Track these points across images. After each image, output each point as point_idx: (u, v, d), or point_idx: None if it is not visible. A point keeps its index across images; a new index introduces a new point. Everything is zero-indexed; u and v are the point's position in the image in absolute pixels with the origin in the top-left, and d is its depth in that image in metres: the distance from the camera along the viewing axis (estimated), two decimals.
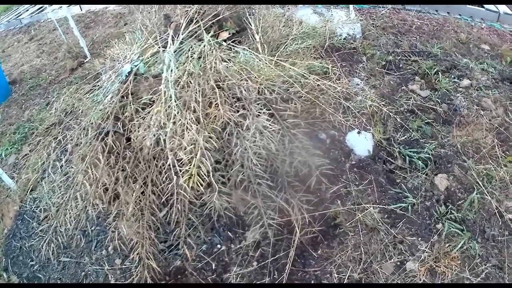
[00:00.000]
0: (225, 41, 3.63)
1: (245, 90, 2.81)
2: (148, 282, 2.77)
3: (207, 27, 3.60)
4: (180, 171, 2.50)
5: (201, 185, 2.45)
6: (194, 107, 2.67)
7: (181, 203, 2.50)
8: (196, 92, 2.73)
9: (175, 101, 2.67)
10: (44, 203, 3.74)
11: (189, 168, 2.46)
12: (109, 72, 3.57)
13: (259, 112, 2.78)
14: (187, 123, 2.57)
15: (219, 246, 3.00)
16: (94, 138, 2.87)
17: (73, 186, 3.11)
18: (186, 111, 2.65)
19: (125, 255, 3.14)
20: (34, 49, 6.94)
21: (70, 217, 3.38)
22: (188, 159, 2.49)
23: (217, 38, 3.63)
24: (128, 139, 2.94)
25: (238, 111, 2.78)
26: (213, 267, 2.92)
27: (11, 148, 4.61)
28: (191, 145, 2.52)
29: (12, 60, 6.82)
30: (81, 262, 3.22)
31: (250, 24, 3.82)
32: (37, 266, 3.37)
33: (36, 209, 3.75)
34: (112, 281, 3.06)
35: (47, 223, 3.58)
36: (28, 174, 4.08)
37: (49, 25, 7.71)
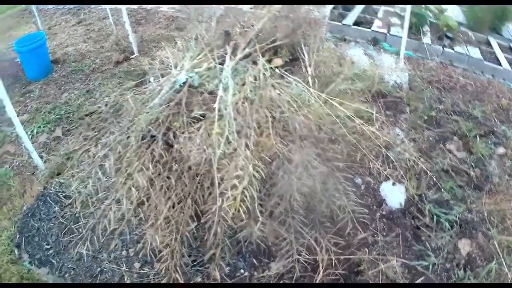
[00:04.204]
0: (277, 67, 3.66)
1: (297, 125, 2.84)
2: None
3: (262, 51, 3.62)
4: (225, 194, 2.51)
5: (244, 212, 2.46)
6: (247, 132, 2.69)
7: (221, 226, 2.52)
8: (253, 119, 2.76)
9: (232, 124, 2.70)
10: (70, 190, 3.75)
11: (235, 193, 2.47)
12: (158, 75, 3.59)
13: (308, 149, 2.80)
14: (239, 148, 2.60)
15: (242, 271, 3.02)
16: (141, 142, 2.88)
17: (104, 181, 3.10)
18: (240, 135, 2.67)
19: (145, 261, 3.15)
20: (81, 33, 6.96)
21: (95, 211, 3.41)
22: (234, 184, 2.51)
23: (270, 63, 3.66)
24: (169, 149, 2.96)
25: (287, 145, 2.81)
26: None
27: (44, 127, 4.62)
28: (240, 170, 2.54)
29: (57, 39, 6.84)
30: (98, 258, 3.22)
31: (304, 55, 3.85)
32: (52, 251, 3.37)
33: (61, 194, 3.76)
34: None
35: (70, 211, 3.59)
36: (58, 157, 4.10)
37: (100, 13, 7.74)
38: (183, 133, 2.83)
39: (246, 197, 2.52)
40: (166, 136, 2.88)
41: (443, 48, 5.69)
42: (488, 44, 6.43)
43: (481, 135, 4.28)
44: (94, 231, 3.16)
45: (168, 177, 2.73)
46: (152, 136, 2.90)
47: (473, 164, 3.93)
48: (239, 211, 2.49)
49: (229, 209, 2.47)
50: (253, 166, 2.56)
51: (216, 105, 2.92)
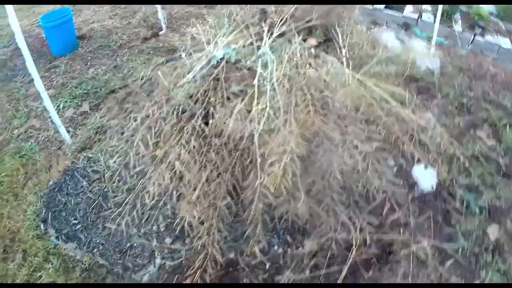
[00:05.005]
0: (312, 47, 3.62)
1: (338, 103, 2.82)
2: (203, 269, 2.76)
3: (297, 31, 3.58)
4: (266, 170, 2.49)
5: (285, 188, 2.44)
6: (290, 109, 2.67)
7: (261, 202, 2.51)
8: (296, 95, 2.74)
9: (275, 100, 2.68)
10: (98, 165, 3.76)
11: (276, 170, 2.45)
12: (191, 51, 3.56)
13: (347, 129, 2.79)
14: (282, 124, 2.58)
15: (276, 247, 3.03)
16: (181, 116, 2.86)
17: (141, 155, 3.08)
18: (282, 111, 2.65)
19: (176, 236, 3.16)
20: (107, 10, 6.92)
21: (124, 185, 3.41)
22: (276, 160, 2.49)
23: (304, 43, 3.62)
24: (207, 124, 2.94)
25: (327, 124, 2.79)
26: (267, 267, 2.95)
27: (70, 102, 4.62)
28: (282, 146, 2.52)
29: (82, 16, 6.81)
30: (128, 232, 3.21)
31: (337, 37, 3.81)
32: (80, 226, 3.38)
33: (89, 169, 3.76)
34: (158, 259, 3.08)
35: (98, 186, 3.60)
36: (86, 132, 4.10)
37: None
38: (222, 107, 2.81)
39: (287, 173, 2.50)
40: (206, 111, 2.86)
41: (473, 36, 5.65)
42: None
43: (511, 124, 4.25)
44: (124, 206, 3.15)
45: (208, 151, 2.71)
46: (191, 110, 2.88)
47: (502, 153, 3.92)
48: (279, 187, 2.48)
49: (270, 186, 2.46)
50: (296, 143, 2.54)
51: (255, 81, 2.89)
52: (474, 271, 3.04)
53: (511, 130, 4.15)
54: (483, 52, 5.58)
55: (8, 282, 3.14)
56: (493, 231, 3.29)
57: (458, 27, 5.89)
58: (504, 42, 5.78)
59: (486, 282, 2.94)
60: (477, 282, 2.97)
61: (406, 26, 5.73)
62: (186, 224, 2.71)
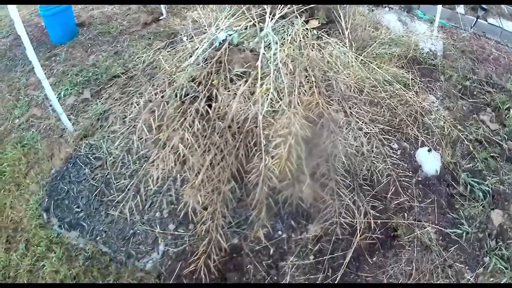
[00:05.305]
0: (314, 29, 3.60)
1: (342, 85, 2.79)
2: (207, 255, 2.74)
3: (299, 12, 3.55)
4: (270, 152, 2.47)
5: (290, 171, 2.42)
6: (294, 90, 2.64)
7: (266, 185, 2.47)
8: (300, 76, 2.71)
9: (283, 80, 2.65)
10: (100, 152, 3.73)
11: (281, 151, 2.42)
12: (192, 34, 3.53)
13: (352, 111, 2.76)
14: (286, 105, 2.55)
15: (280, 232, 3.01)
16: (184, 99, 2.83)
17: (144, 139, 3.04)
18: (285, 92, 2.62)
19: (179, 222, 3.13)
20: None
21: (126, 171, 3.38)
22: (280, 142, 2.46)
23: (306, 24, 3.59)
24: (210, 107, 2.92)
25: (331, 105, 2.76)
26: (271, 253, 2.93)
27: (71, 89, 4.57)
28: (285, 128, 2.49)
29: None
30: (131, 219, 3.18)
31: (340, 18, 3.78)
32: (83, 214, 3.34)
33: (91, 156, 3.73)
34: (162, 245, 3.05)
35: (101, 173, 3.57)
36: (88, 119, 4.07)
37: None
38: (225, 89, 2.78)
39: (291, 156, 2.48)
40: (209, 93, 2.83)
41: (476, 19, 5.58)
42: None
43: None
44: (127, 192, 3.12)
45: (212, 134, 2.69)
46: (195, 93, 2.85)
47: (505, 137, 3.89)
48: (284, 170, 2.45)
49: (275, 168, 2.43)
50: (300, 124, 2.51)
51: (259, 63, 2.86)
52: (478, 256, 3.04)
53: None
54: (486, 34, 5.52)
55: (11, 272, 3.13)
56: (496, 217, 3.28)
57: (460, 9, 5.82)
58: (507, 25, 5.70)
59: (489, 268, 2.95)
60: (481, 268, 2.97)
61: (408, 8, 5.66)
62: (189, 210, 2.69)
